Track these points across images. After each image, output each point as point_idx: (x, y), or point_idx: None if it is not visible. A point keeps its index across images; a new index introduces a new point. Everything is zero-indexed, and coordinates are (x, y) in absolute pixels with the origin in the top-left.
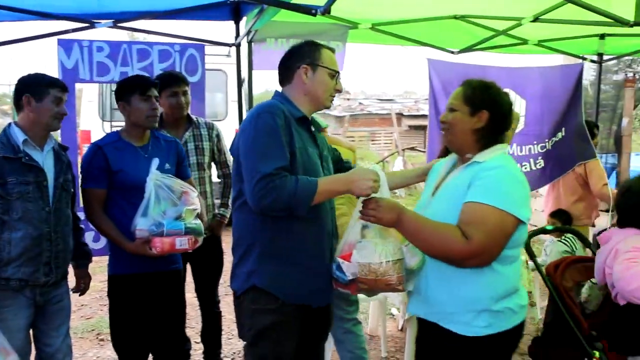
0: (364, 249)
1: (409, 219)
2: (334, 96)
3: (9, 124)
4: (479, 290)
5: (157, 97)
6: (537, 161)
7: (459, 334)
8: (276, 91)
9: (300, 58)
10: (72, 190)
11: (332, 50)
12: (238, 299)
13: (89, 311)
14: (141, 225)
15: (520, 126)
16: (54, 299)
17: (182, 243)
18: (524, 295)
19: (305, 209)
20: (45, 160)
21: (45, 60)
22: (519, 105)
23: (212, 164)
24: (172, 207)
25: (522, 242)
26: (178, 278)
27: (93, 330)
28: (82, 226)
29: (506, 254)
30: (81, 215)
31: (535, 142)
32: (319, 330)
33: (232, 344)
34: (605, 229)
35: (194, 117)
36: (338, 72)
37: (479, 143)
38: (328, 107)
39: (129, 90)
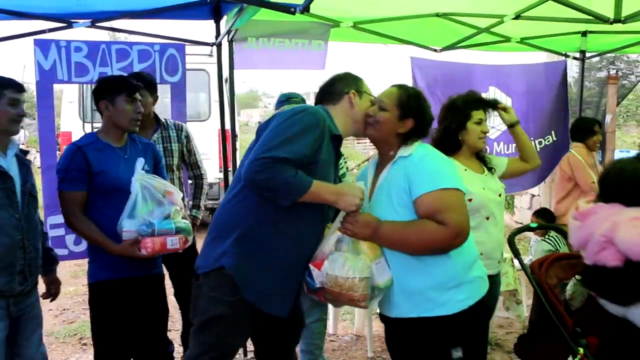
0: (335, 262)
1: (385, 229)
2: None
3: None
4: (451, 266)
5: (141, 100)
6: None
7: (444, 315)
8: (321, 106)
9: (348, 84)
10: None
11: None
12: (197, 279)
13: (72, 315)
14: (128, 226)
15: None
16: (27, 308)
17: (174, 243)
18: (480, 263)
19: (290, 202)
20: (10, 165)
21: (24, 60)
22: (505, 103)
23: (183, 165)
24: (159, 207)
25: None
26: (160, 282)
27: (75, 334)
28: (46, 231)
29: None
30: (57, 219)
31: None
32: (285, 335)
33: None
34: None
35: (162, 118)
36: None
37: (397, 142)
38: (363, 136)
39: (114, 90)
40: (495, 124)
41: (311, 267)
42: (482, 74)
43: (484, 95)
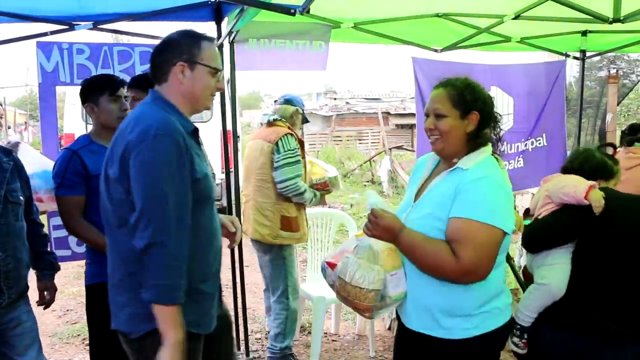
0: (347, 266)
1: (405, 238)
2: (214, 95)
3: None
4: (465, 295)
5: (127, 97)
6: (518, 159)
7: (447, 338)
8: (152, 91)
9: (177, 53)
10: (23, 197)
11: (213, 39)
12: (133, 342)
13: (75, 316)
14: None
15: (509, 124)
16: (12, 323)
17: None
18: (508, 293)
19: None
20: None
21: (27, 62)
22: (507, 103)
23: None
24: None
25: (507, 247)
26: None
27: (79, 335)
28: (45, 232)
29: None
30: (59, 220)
31: (522, 140)
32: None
33: None
34: None
35: None
36: (219, 70)
37: (467, 146)
38: (208, 108)
39: (96, 91)
40: None
41: (325, 264)
42: (483, 74)
43: None
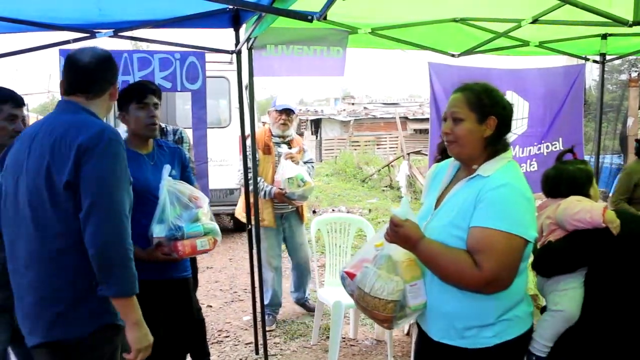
0: (366, 277)
1: (424, 247)
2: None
3: None
4: (486, 306)
5: (156, 104)
6: (532, 163)
7: (467, 348)
8: (73, 103)
9: (114, 75)
10: None
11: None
12: (67, 347)
13: None
14: (158, 232)
15: (523, 128)
16: None
17: (203, 244)
18: (529, 301)
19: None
20: None
21: (49, 69)
22: (522, 107)
23: None
24: (187, 211)
25: (529, 255)
26: (188, 286)
27: None
28: None
29: None
30: None
31: (535, 143)
32: None
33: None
34: None
35: (162, 124)
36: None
37: (485, 151)
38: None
39: (126, 99)
40: (512, 128)
41: (344, 274)
42: (500, 79)
43: None
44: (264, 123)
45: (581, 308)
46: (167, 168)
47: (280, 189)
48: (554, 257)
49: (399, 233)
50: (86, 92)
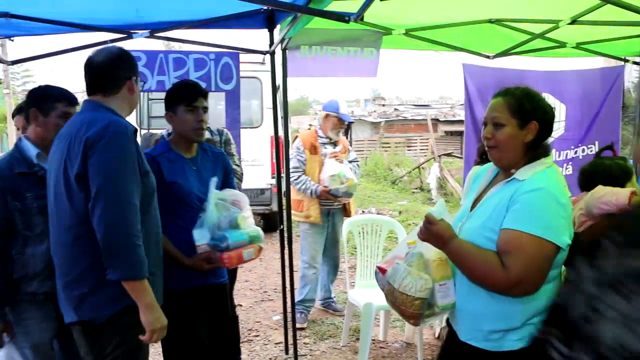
0: (397, 273)
1: (454, 246)
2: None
3: (20, 138)
4: (514, 310)
5: (205, 108)
6: (567, 167)
7: (492, 350)
8: (90, 101)
9: (126, 69)
10: None
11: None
12: (94, 325)
13: None
14: (200, 238)
15: (559, 131)
16: None
17: (250, 254)
18: None
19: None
20: None
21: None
22: (559, 110)
23: None
24: (227, 213)
25: (562, 262)
26: (225, 291)
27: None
28: None
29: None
30: None
31: (572, 147)
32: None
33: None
34: None
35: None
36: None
37: (526, 157)
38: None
39: (175, 100)
40: None
41: (377, 269)
42: (535, 80)
43: None
44: (310, 126)
45: None
46: (214, 181)
47: (325, 186)
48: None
49: (432, 231)
50: (103, 91)
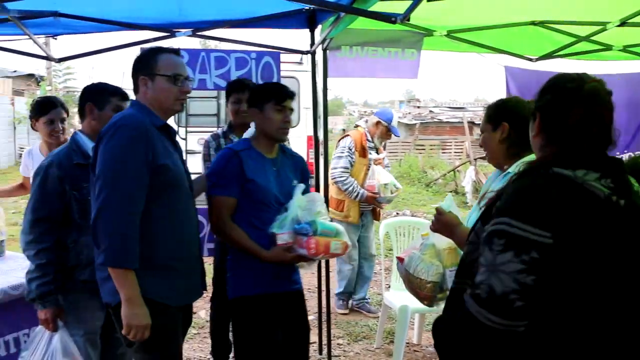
0: (412, 260)
1: (459, 235)
2: (183, 99)
3: (75, 132)
4: None
5: (291, 110)
6: None
7: None
8: (132, 100)
9: (139, 69)
10: None
11: (176, 51)
12: (114, 309)
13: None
14: (283, 229)
15: None
16: None
17: (337, 247)
18: None
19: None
20: None
21: (123, 68)
22: None
23: None
24: (306, 211)
25: None
26: (301, 299)
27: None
28: None
29: None
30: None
31: (618, 153)
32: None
33: None
34: None
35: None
36: (179, 75)
37: (509, 152)
38: (180, 111)
39: (264, 97)
40: None
41: (397, 259)
42: None
43: None
44: (356, 126)
45: None
46: (301, 187)
47: (375, 193)
48: None
49: (441, 221)
50: (134, 90)
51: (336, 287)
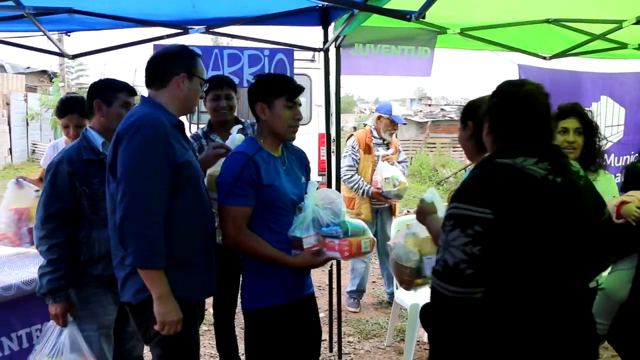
0: (396, 247)
1: (428, 221)
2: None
3: (86, 129)
4: None
5: (300, 105)
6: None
7: None
8: (142, 97)
9: (179, 65)
10: None
11: (201, 56)
12: (135, 307)
13: None
14: (308, 232)
15: (619, 135)
16: None
17: (367, 245)
18: None
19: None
20: None
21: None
22: (617, 114)
23: None
24: (327, 209)
25: None
26: (315, 302)
27: None
28: None
29: None
30: None
31: (632, 152)
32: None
33: None
34: None
35: (241, 119)
36: (204, 81)
37: (476, 149)
38: (191, 112)
39: (274, 91)
40: (606, 135)
41: (388, 245)
42: (593, 83)
43: (594, 105)
44: (364, 124)
45: (631, 290)
46: (314, 184)
47: (378, 188)
48: None
49: (419, 209)
50: (151, 85)
51: (348, 285)
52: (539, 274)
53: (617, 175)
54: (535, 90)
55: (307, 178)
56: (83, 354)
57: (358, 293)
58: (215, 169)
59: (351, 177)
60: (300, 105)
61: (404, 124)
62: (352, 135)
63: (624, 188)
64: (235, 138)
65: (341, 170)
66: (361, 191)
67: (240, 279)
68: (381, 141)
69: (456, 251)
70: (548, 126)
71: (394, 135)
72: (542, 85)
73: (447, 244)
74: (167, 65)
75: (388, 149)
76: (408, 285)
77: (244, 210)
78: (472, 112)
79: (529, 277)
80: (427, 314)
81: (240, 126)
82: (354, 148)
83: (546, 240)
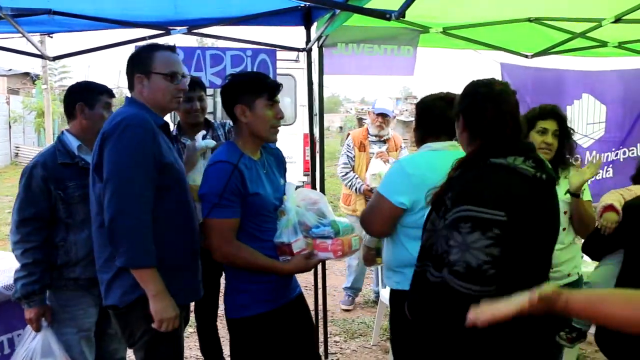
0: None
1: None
2: (179, 97)
3: (62, 132)
4: (389, 255)
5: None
6: (607, 169)
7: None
8: (127, 97)
9: (136, 66)
10: None
11: (173, 48)
12: (121, 310)
13: None
14: (296, 236)
15: (600, 133)
16: None
17: (356, 243)
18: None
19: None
20: None
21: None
22: (599, 111)
23: None
24: (310, 211)
25: (421, 223)
26: (304, 301)
27: None
28: None
29: (408, 232)
30: None
31: (613, 149)
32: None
33: None
34: None
35: (210, 120)
36: (175, 73)
37: (417, 138)
38: (175, 109)
39: (253, 91)
40: (587, 132)
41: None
42: (575, 81)
43: (576, 102)
44: (362, 120)
45: (616, 285)
46: (292, 185)
47: (367, 185)
48: (590, 239)
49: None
50: (129, 88)
51: (344, 282)
52: (533, 265)
53: (598, 172)
54: (505, 89)
55: (284, 178)
56: (56, 359)
57: (353, 290)
58: (194, 177)
59: (346, 174)
60: (279, 102)
61: (391, 115)
62: (349, 134)
63: (634, 178)
64: (201, 145)
65: (337, 168)
66: (354, 188)
67: (221, 283)
68: (377, 138)
69: (479, 253)
70: (519, 123)
71: (388, 130)
72: (508, 83)
73: (467, 246)
74: (128, 68)
75: (382, 147)
76: (370, 263)
77: (232, 222)
78: (416, 109)
79: (528, 269)
80: (420, 308)
81: (204, 132)
82: (349, 146)
83: (541, 234)
